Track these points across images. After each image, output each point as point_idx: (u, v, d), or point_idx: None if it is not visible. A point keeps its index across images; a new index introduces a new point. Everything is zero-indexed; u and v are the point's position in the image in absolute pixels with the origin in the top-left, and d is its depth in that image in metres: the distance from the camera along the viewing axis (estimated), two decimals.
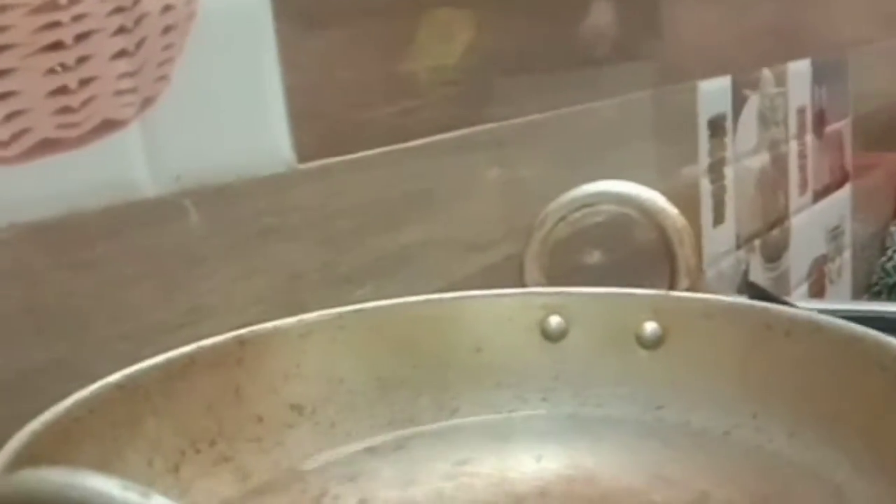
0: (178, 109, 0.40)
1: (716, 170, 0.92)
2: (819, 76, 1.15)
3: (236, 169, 0.44)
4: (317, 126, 0.48)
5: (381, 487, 0.36)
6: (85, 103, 0.37)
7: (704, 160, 0.90)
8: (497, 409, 0.41)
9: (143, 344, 0.39)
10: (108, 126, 0.38)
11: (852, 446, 0.34)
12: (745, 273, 0.95)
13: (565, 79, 0.69)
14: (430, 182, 0.56)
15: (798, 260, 1.12)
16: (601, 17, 0.74)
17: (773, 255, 1.06)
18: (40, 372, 0.37)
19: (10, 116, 0.34)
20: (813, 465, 0.35)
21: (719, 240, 0.93)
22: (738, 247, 0.97)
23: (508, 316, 0.41)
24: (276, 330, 0.39)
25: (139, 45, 0.38)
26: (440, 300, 0.42)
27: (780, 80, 1.05)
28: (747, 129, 0.98)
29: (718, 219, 0.93)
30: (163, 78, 0.39)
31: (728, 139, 0.94)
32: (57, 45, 0.36)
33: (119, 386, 0.33)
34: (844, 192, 1.28)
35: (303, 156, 0.47)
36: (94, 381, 0.32)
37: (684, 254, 0.41)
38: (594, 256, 0.70)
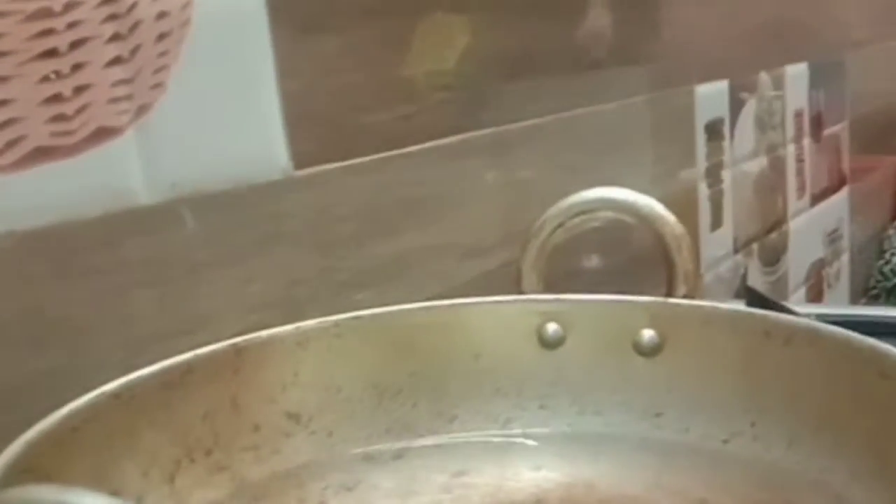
0: (173, 116, 0.40)
1: (713, 174, 0.92)
2: (816, 79, 1.15)
3: (232, 176, 0.43)
4: (313, 132, 0.48)
5: (380, 498, 0.36)
6: (79, 111, 0.36)
7: (702, 164, 0.90)
8: (495, 417, 0.41)
9: (140, 352, 0.39)
10: (103, 134, 0.37)
11: (851, 454, 0.34)
12: (744, 277, 0.95)
13: (563, 83, 0.69)
14: (427, 187, 0.56)
15: (796, 264, 1.12)
16: (599, 22, 0.74)
17: (771, 258, 1.06)
18: (37, 380, 0.36)
19: (4, 124, 0.34)
20: (812, 474, 0.35)
21: (717, 244, 0.93)
22: (736, 251, 0.97)
23: (506, 323, 0.41)
24: (273, 338, 0.38)
25: (134, 52, 0.38)
26: (437, 307, 0.42)
27: (778, 84, 1.06)
28: (745, 132, 0.98)
29: (716, 223, 0.93)
30: (158, 85, 0.39)
31: (725, 143, 0.94)
32: (51, 53, 0.35)
33: (115, 395, 0.33)
34: (842, 196, 1.29)
35: (299, 162, 0.47)
36: (91, 389, 0.32)
37: (682, 261, 0.41)
38: (593, 261, 0.70)
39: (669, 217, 0.42)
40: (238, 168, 0.44)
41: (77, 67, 0.36)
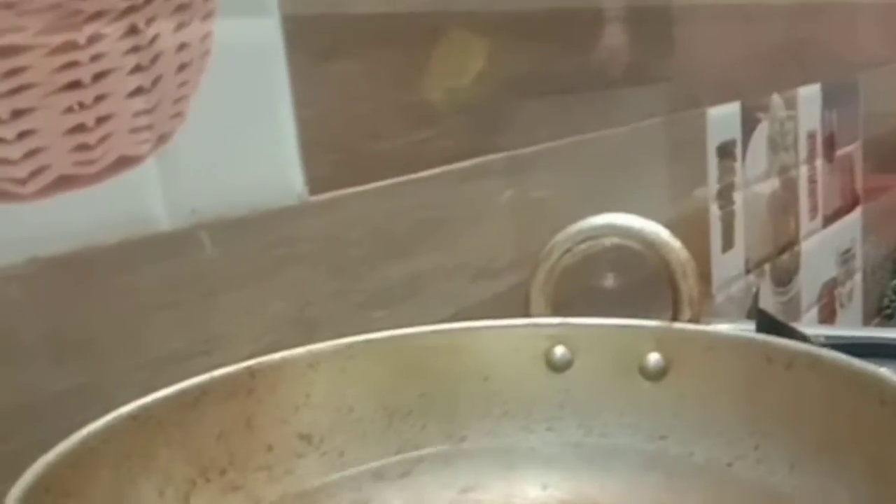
0: (193, 145, 0.41)
1: (725, 195, 0.92)
2: (829, 100, 1.15)
3: (250, 202, 0.45)
4: (329, 158, 0.49)
5: None
6: (102, 140, 0.38)
7: (714, 185, 0.90)
8: (503, 438, 0.41)
9: (158, 373, 0.40)
10: (125, 162, 0.39)
11: (852, 479, 0.34)
12: (755, 297, 0.95)
13: (577, 106, 0.70)
14: (441, 210, 0.57)
15: (808, 284, 1.12)
16: (612, 45, 0.75)
17: (784, 279, 1.06)
18: (59, 400, 0.37)
19: (29, 154, 0.36)
20: (814, 497, 0.35)
21: (729, 265, 0.93)
22: (748, 271, 0.97)
23: (514, 346, 0.42)
24: (286, 360, 0.39)
25: (155, 82, 0.39)
26: (447, 330, 0.43)
27: (790, 105, 1.06)
28: (757, 154, 0.98)
29: (728, 244, 0.93)
30: (178, 114, 0.40)
31: (737, 165, 0.94)
32: (75, 85, 0.37)
33: (132, 417, 0.34)
34: (855, 216, 1.29)
35: (314, 188, 0.48)
36: (110, 409, 0.33)
37: (687, 286, 0.42)
38: (606, 280, 0.71)
39: (675, 243, 0.42)
40: (255, 194, 0.45)
41: (100, 98, 0.37)
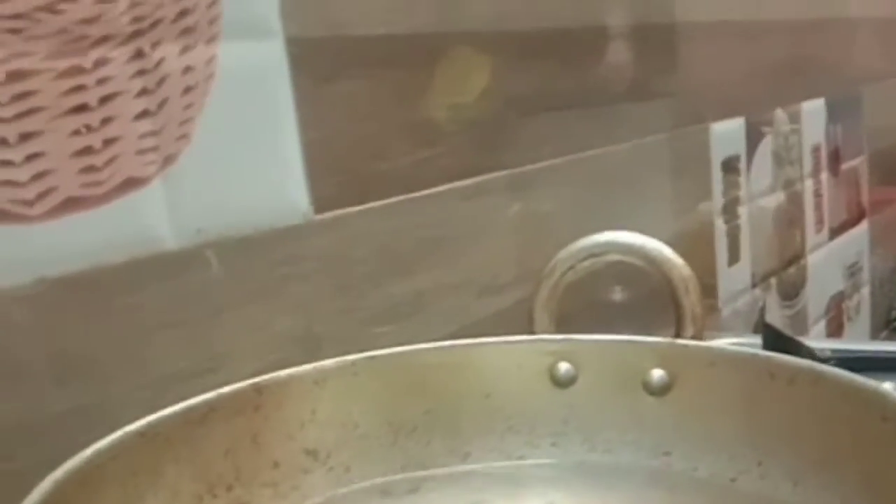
0: (198, 166, 0.42)
1: (730, 210, 0.93)
2: (834, 114, 1.16)
3: (255, 221, 0.45)
4: (333, 177, 0.49)
5: None
6: (108, 162, 0.38)
7: (719, 200, 0.91)
8: (508, 454, 0.42)
9: (164, 391, 0.40)
10: (131, 183, 0.39)
11: (854, 495, 0.34)
12: (762, 311, 0.95)
13: (580, 123, 0.70)
14: (444, 228, 0.58)
15: (815, 297, 1.12)
16: (616, 62, 0.75)
17: (790, 292, 1.06)
18: (64, 419, 0.38)
19: (36, 176, 0.36)
20: None
21: (735, 278, 0.93)
22: (754, 285, 0.98)
23: (518, 362, 0.42)
24: (292, 377, 0.40)
25: (161, 105, 0.40)
26: (451, 347, 0.43)
27: (795, 119, 1.06)
28: (762, 168, 0.99)
29: (734, 258, 0.93)
30: (184, 136, 0.41)
31: (742, 179, 0.95)
32: (82, 108, 0.37)
33: (140, 433, 0.34)
34: (861, 229, 1.28)
35: (319, 206, 0.48)
36: (117, 427, 0.34)
37: (690, 303, 0.42)
38: (608, 296, 0.71)
39: (677, 260, 0.43)
40: (260, 213, 0.45)
41: (106, 121, 0.38)
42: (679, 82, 0.84)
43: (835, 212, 1.19)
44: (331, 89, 0.49)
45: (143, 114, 0.39)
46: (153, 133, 0.40)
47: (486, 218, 0.61)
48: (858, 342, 1.08)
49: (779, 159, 1.02)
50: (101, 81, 0.38)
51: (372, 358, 0.41)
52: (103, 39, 0.38)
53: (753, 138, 0.97)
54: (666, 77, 0.83)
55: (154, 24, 0.39)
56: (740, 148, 0.94)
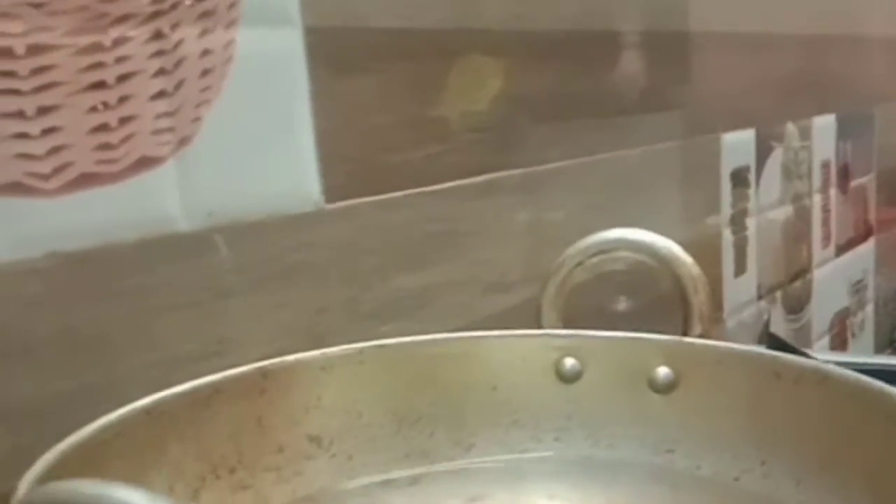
0: (212, 149, 0.42)
1: (738, 221, 0.93)
2: (844, 131, 1.16)
3: (266, 207, 0.45)
4: (345, 168, 0.50)
5: None
6: (124, 140, 0.38)
7: (727, 211, 0.91)
8: (511, 448, 0.42)
9: (171, 372, 0.40)
10: (145, 163, 0.39)
11: (858, 495, 0.34)
12: (766, 324, 0.95)
13: (591, 127, 0.71)
14: (453, 224, 0.58)
15: (820, 312, 1.12)
16: (629, 68, 0.76)
17: (795, 306, 1.06)
18: (72, 396, 0.38)
19: (52, 151, 0.36)
20: None
21: (740, 290, 0.93)
22: (760, 297, 0.98)
23: (524, 356, 0.42)
24: (299, 363, 0.40)
25: (178, 86, 0.40)
26: (458, 339, 0.43)
27: (805, 135, 1.06)
28: (771, 181, 0.99)
29: (740, 269, 0.93)
30: (199, 119, 0.41)
31: (751, 191, 0.95)
32: (99, 85, 0.37)
33: (146, 411, 0.34)
34: (868, 247, 1.29)
35: (331, 196, 0.48)
36: (122, 406, 0.34)
37: (698, 301, 0.42)
38: (614, 303, 0.71)
39: (686, 258, 0.43)
40: (272, 200, 0.45)
41: (123, 99, 0.38)
42: (691, 92, 0.84)
43: (842, 228, 1.19)
44: (346, 80, 0.50)
45: (160, 94, 0.40)
46: (169, 114, 0.40)
47: (495, 216, 0.61)
48: (863, 356, 1.08)
49: (788, 173, 1.02)
50: (119, 60, 0.38)
51: (379, 347, 0.42)
52: (123, 18, 0.38)
53: (763, 151, 0.97)
54: (678, 86, 0.83)
55: (174, 6, 0.40)
56: (750, 159, 0.94)
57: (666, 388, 0.41)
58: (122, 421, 0.33)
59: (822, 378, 0.36)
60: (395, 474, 0.40)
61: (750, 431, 0.38)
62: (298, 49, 0.46)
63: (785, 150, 1.01)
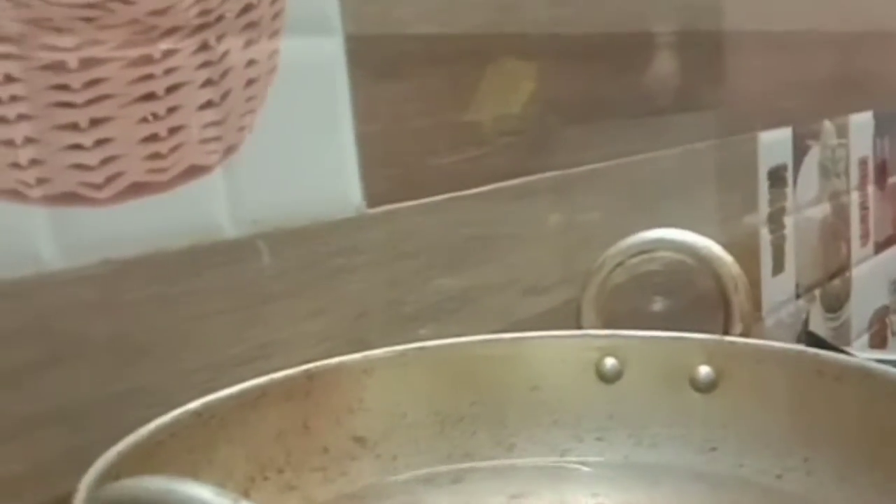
0: (258, 157, 0.43)
1: (776, 219, 0.92)
2: (882, 128, 1.15)
3: (309, 213, 0.46)
4: (386, 173, 0.50)
5: None
6: (173, 150, 0.39)
7: (764, 210, 0.90)
8: (553, 447, 0.42)
9: (218, 375, 0.41)
10: (194, 171, 0.40)
11: None
12: (805, 322, 0.95)
13: (627, 128, 0.71)
14: (492, 227, 0.58)
15: (859, 310, 1.12)
16: (664, 68, 0.76)
17: (834, 305, 1.05)
18: (124, 398, 0.39)
19: (105, 161, 0.37)
20: None
21: (779, 289, 0.93)
22: (798, 296, 0.97)
23: (565, 357, 0.43)
24: (342, 365, 0.41)
25: (224, 96, 0.41)
26: (499, 340, 0.44)
27: (842, 132, 1.06)
28: (808, 179, 0.98)
29: (778, 268, 0.93)
30: (245, 127, 0.42)
31: (788, 189, 0.94)
32: (149, 96, 0.39)
33: (197, 413, 0.35)
34: None
35: (372, 201, 0.49)
36: (173, 408, 0.35)
37: (739, 300, 0.42)
38: (655, 303, 0.71)
39: (727, 258, 0.43)
40: (315, 206, 0.46)
41: (172, 110, 0.39)
42: (727, 91, 0.84)
43: (880, 226, 1.18)
44: (385, 86, 0.50)
45: (208, 104, 0.40)
46: (216, 123, 0.41)
47: (531, 218, 0.62)
48: None
49: (825, 171, 1.02)
50: (168, 71, 0.39)
51: (421, 349, 0.42)
52: (171, 31, 0.39)
53: (800, 149, 0.96)
54: (713, 86, 0.83)
55: (219, 18, 0.41)
56: (787, 158, 0.94)
57: (707, 387, 0.41)
58: (174, 423, 0.34)
59: (864, 375, 0.36)
60: (438, 473, 0.41)
61: (792, 429, 0.39)
62: (340, 57, 0.47)
63: (822, 148, 1.01)
